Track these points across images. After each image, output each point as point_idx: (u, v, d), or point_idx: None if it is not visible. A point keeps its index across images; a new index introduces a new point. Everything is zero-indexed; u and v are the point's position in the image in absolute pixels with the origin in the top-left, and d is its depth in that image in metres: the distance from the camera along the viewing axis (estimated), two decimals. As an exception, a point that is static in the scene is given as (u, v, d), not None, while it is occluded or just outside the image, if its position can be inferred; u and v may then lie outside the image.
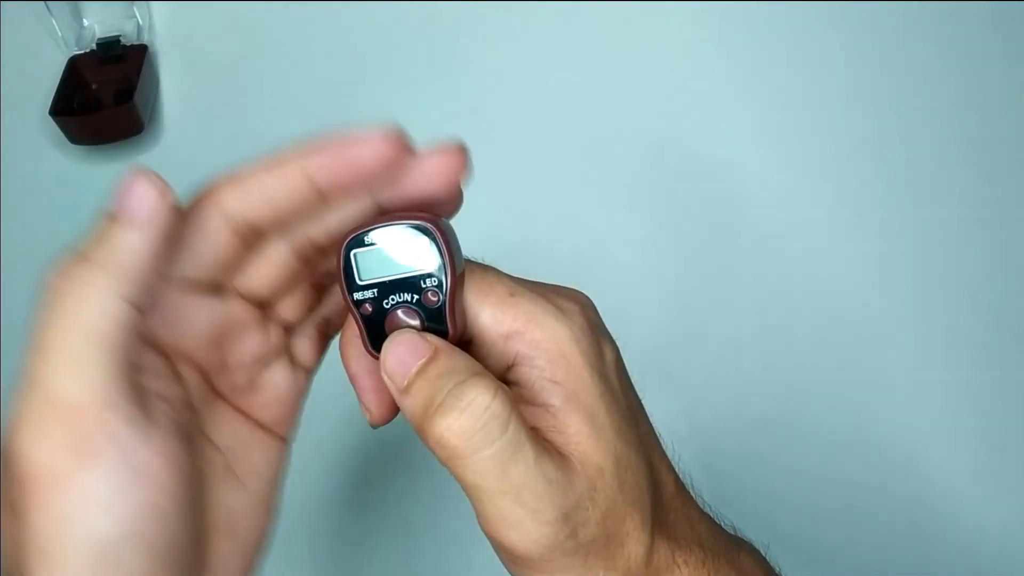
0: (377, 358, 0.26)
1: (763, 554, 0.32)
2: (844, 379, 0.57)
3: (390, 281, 0.25)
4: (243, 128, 0.64)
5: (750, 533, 0.33)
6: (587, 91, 0.65)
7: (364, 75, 0.65)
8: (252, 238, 0.25)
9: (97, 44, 0.63)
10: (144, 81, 0.62)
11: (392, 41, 0.66)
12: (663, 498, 0.28)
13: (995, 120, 0.63)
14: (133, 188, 0.23)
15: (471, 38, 0.66)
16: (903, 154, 0.63)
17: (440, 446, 0.24)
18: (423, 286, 0.25)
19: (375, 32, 0.66)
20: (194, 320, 0.25)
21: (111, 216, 0.23)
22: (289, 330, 0.29)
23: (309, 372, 0.30)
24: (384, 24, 0.66)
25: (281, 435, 0.29)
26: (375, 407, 0.28)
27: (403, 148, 0.24)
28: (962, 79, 0.64)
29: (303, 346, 0.29)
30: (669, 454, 0.30)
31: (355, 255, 0.25)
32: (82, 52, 0.64)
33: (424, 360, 0.25)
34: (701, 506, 0.31)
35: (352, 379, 0.28)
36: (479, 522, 0.25)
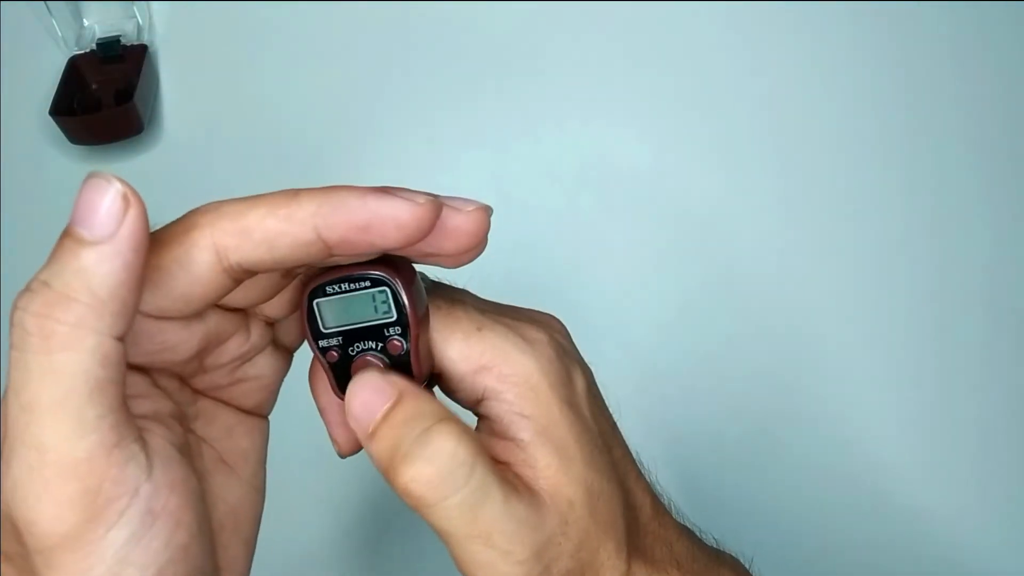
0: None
1: (746, 568, 0.32)
2: (833, 390, 0.57)
3: (354, 329, 0.25)
4: (243, 128, 0.64)
5: (735, 545, 0.33)
6: (588, 92, 0.65)
7: (365, 75, 0.65)
8: (243, 277, 0.23)
9: (97, 44, 0.63)
10: (144, 81, 0.62)
11: (393, 41, 0.66)
12: (639, 521, 0.28)
13: (996, 121, 0.63)
14: (98, 199, 0.20)
15: (473, 38, 0.66)
16: (902, 162, 0.62)
17: (406, 495, 0.24)
18: (386, 334, 0.25)
19: (375, 32, 0.66)
20: (170, 343, 0.24)
21: (76, 235, 0.20)
22: (273, 323, 0.28)
23: (293, 351, 0.29)
24: (385, 24, 0.66)
25: (263, 415, 0.29)
26: (343, 440, 0.28)
27: (432, 223, 0.22)
28: (959, 81, 0.64)
29: (287, 329, 0.28)
30: (647, 473, 0.30)
31: (318, 304, 0.25)
32: (82, 52, 0.64)
33: (389, 405, 0.24)
34: (682, 523, 0.31)
35: (321, 412, 0.28)
36: (454, 562, 0.25)
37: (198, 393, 0.26)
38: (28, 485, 0.19)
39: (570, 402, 0.27)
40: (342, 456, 0.28)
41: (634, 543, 0.27)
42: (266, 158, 0.63)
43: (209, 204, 0.22)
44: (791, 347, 0.58)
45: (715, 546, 0.32)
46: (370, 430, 0.24)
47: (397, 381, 0.25)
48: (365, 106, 0.64)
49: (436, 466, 0.23)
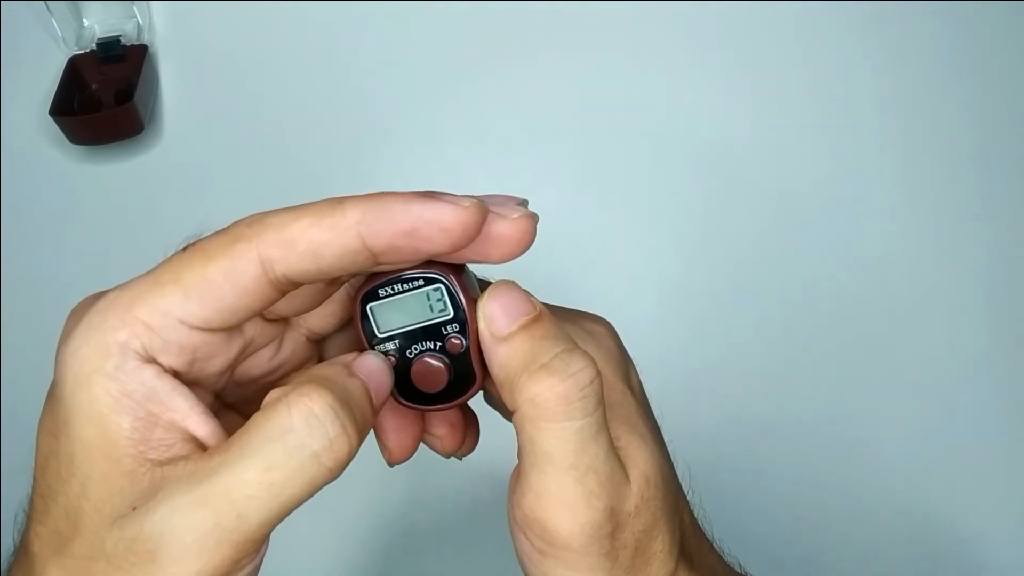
0: (407, 406, 0.26)
1: None
2: (834, 390, 0.57)
3: (411, 330, 0.25)
4: (243, 128, 0.64)
5: (735, 546, 0.33)
6: (589, 90, 0.65)
7: (364, 74, 0.65)
8: (288, 288, 0.23)
9: (97, 44, 0.63)
10: (144, 81, 0.62)
11: (393, 41, 0.66)
12: (683, 524, 0.28)
13: (997, 118, 0.63)
14: None
15: (473, 38, 0.66)
16: (905, 152, 0.63)
17: (534, 404, 0.23)
18: (444, 332, 0.25)
19: (376, 31, 0.66)
20: (208, 354, 0.23)
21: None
22: (318, 340, 0.27)
23: None
24: (385, 24, 0.66)
25: None
26: (395, 446, 0.27)
27: (478, 227, 0.22)
28: (966, 76, 0.64)
29: (334, 349, 0.28)
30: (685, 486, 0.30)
31: (371, 308, 0.25)
32: (82, 52, 0.64)
33: (532, 316, 0.24)
34: (710, 538, 0.31)
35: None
36: (522, 501, 0.25)
37: (228, 408, 0.26)
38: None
39: (632, 390, 0.27)
40: (391, 464, 0.28)
41: (682, 546, 0.27)
42: (266, 158, 0.63)
43: (253, 216, 0.22)
44: (791, 347, 0.58)
45: (739, 569, 0.32)
46: (505, 333, 0.24)
47: (536, 301, 0.25)
48: (365, 105, 0.65)
49: (576, 385, 0.23)
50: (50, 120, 0.59)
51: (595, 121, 0.64)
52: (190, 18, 0.67)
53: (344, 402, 0.22)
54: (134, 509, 0.20)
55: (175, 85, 0.65)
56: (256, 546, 0.21)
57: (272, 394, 0.22)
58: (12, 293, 0.57)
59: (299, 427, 0.21)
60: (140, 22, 0.66)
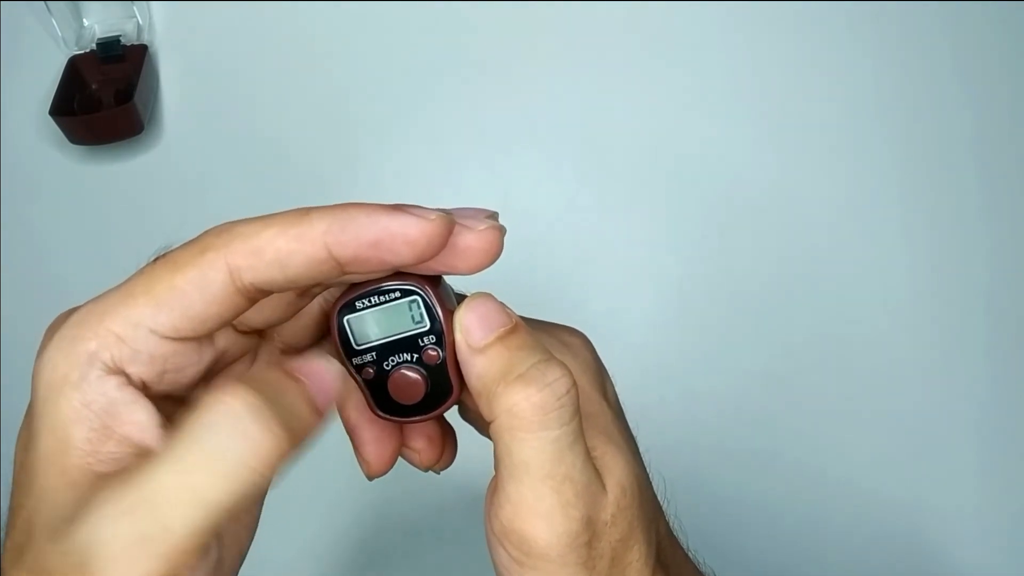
0: (386, 418, 0.26)
1: None
2: (833, 391, 0.57)
3: (387, 343, 0.25)
4: (243, 128, 0.64)
5: (734, 547, 0.33)
6: (588, 91, 0.65)
7: (364, 75, 0.65)
8: (257, 296, 0.23)
9: (97, 44, 0.63)
10: (144, 81, 0.62)
11: (393, 40, 0.66)
12: (659, 534, 0.28)
13: (996, 119, 0.63)
14: None
15: (473, 37, 0.66)
16: (903, 155, 0.62)
17: (510, 414, 0.24)
18: (421, 344, 0.25)
19: (375, 32, 0.66)
20: (179, 365, 0.23)
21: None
22: (294, 352, 0.27)
23: None
24: (384, 24, 0.66)
25: None
26: (374, 459, 0.27)
27: (444, 239, 0.22)
28: (966, 76, 0.64)
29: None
30: (661, 496, 0.31)
31: (348, 321, 0.25)
32: (82, 52, 0.64)
33: (508, 327, 0.25)
34: (686, 550, 0.31)
35: (350, 431, 0.28)
36: (499, 512, 0.25)
37: None
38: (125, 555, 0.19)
39: (608, 401, 0.28)
40: (370, 477, 0.28)
41: (658, 555, 0.27)
42: (265, 158, 0.63)
43: (222, 225, 0.22)
44: (791, 347, 0.58)
45: None
46: (481, 345, 0.24)
47: (512, 313, 0.25)
48: (364, 106, 0.65)
49: (552, 395, 0.24)
50: (50, 120, 0.59)
51: (595, 124, 0.64)
52: (190, 18, 0.67)
53: (270, 401, 0.21)
54: (71, 522, 0.20)
55: (175, 85, 0.65)
56: (190, 557, 0.19)
57: (196, 392, 0.22)
58: (12, 293, 0.57)
59: (218, 427, 0.20)
60: (140, 22, 0.66)
